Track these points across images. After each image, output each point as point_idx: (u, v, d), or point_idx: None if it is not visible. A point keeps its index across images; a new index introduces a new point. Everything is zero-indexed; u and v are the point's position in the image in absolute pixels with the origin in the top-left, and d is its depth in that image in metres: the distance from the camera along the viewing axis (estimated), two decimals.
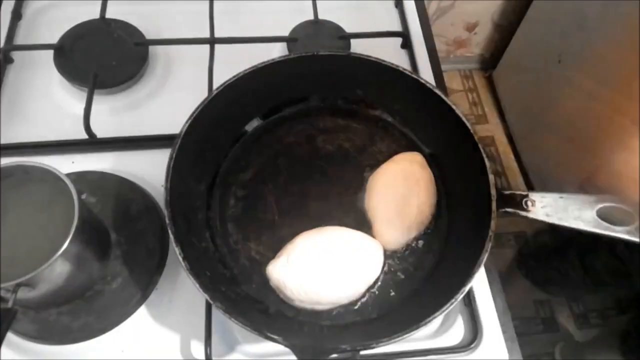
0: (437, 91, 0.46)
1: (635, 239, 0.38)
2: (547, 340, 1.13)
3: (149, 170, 0.50)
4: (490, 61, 1.52)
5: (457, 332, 0.46)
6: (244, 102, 0.48)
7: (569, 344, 1.08)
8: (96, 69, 0.54)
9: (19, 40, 0.58)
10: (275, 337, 0.35)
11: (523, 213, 0.40)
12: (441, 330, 0.46)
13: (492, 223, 0.39)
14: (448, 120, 0.45)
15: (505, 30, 1.38)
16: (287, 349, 0.35)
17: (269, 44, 0.59)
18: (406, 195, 0.45)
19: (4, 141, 0.51)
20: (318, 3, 0.61)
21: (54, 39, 0.56)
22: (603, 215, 0.39)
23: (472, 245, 0.40)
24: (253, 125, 0.51)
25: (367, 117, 0.52)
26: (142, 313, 0.44)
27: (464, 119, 0.44)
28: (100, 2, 0.59)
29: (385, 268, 0.44)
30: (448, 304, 0.37)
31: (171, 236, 0.38)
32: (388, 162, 0.48)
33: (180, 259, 0.38)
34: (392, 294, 0.43)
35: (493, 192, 0.41)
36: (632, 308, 0.79)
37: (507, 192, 0.41)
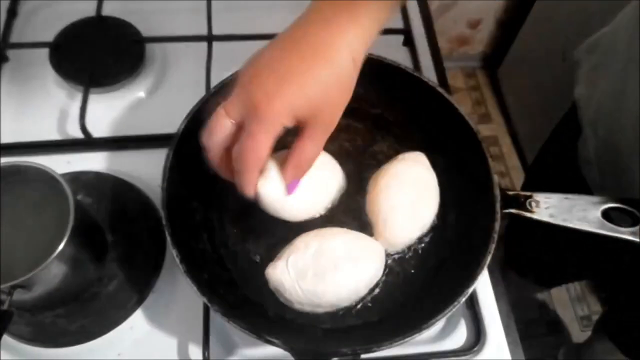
0: (440, 90, 0.45)
1: None
2: (551, 343, 1.13)
3: (146, 171, 0.50)
4: (493, 59, 1.51)
5: (459, 335, 0.45)
6: None
7: (572, 346, 1.08)
8: (92, 67, 0.54)
9: (14, 38, 0.58)
10: (275, 340, 0.35)
11: (527, 214, 0.39)
12: (444, 333, 0.45)
13: (496, 224, 0.39)
14: (451, 119, 0.45)
15: (509, 27, 1.37)
16: (286, 353, 0.35)
17: (268, 41, 0.58)
18: (408, 196, 0.44)
19: None
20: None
21: (50, 37, 0.56)
22: (608, 217, 0.39)
23: (475, 247, 0.39)
24: None
25: (368, 116, 0.51)
26: (138, 316, 0.44)
27: (467, 118, 0.44)
28: None
29: (387, 270, 0.43)
30: (451, 307, 0.36)
31: (168, 238, 0.38)
32: (390, 162, 0.47)
33: (178, 260, 0.37)
34: (394, 296, 0.43)
35: (497, 192, 0.40)
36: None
37: (511, 193, 0.40)
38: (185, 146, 0.42)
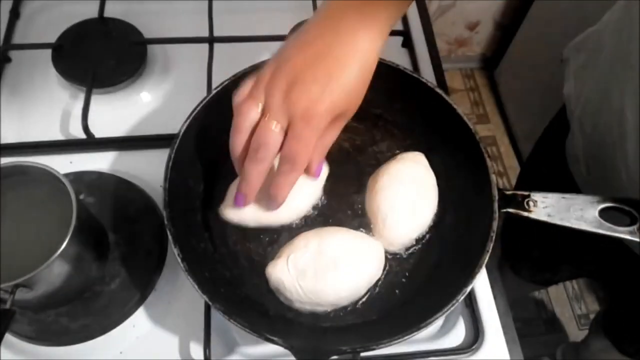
0: (438, 90, 0.45)
1: (637, 240, 0.38)
2: (549, 341, 1.13)
3: (148, 171, 0.50)
4: (491, 60, 1.51)
5: (458, 334, 0.45)
6: None
7: (570, 345, 1.08)
8: (94, 68, 0.54)
9: (17, 39, 0.58)
10: (275, 338, 0.35)
11: (525, 214, 0.40)
12: (442, 331, 0.45)
13: (494, 224, 0.39)
14: (449, 120, 0.45)
15: (507, 29, 1.38)
16: (286, 351, 0.35)
17: (269, 42, 0.58)
18: (407, 195, 0.44)
19: (1, 141, 0.51)
20: (318, 2, 0.60)
21: (52, 38, 0.56)
22: (605, 216, 0.39)
23: (474, 246, 0.40)
24: None
25: (368, 117, 0.51)
26: (140, 314, 0.44)
27: (465, 118, 0.44)
28: (98, 1, 0.59)
29: (386, 269, 0.44)
30: (449, 305, 0.36)
31: (170, 237, 0.38)
32: (389, 162, 0.47)
33: (179, 259, 0.37)
34: (393, 295, 0.43)
35: (495, 192, 0.40)
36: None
37: (509, 193, 0.41)
38: (186, 146, 0.43)
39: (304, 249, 0.41)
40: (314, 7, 0.60)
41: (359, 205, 0.46)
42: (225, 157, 0.48)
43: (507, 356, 0.44)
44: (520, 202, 0.40)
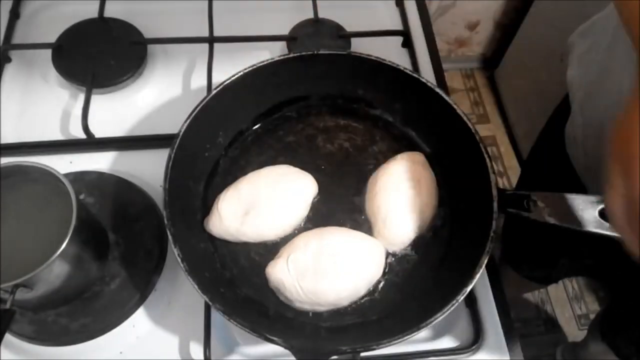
0: (438, 90, 0.45)
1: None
2: (549, 341, 1.13)
3: (148, 171, 0.50)
4: (491, 60, 1.51)
5: (458, 334, 0.45)
6: (244, 102, 0.48)
7: (570, 345, 1.08)
8: (94, 68, 0.54)
9: (17, 39, 0.58)
10: (275, 338, 0.35)
11: (525, 213, 0.40)
12: (443, 331, 0.45)
13: (494, 223, 0.39)
14: (449, 119, 0.45)
15: (507, 29, 1.38)
16: (286, 351, 0.35)
17: (269, 42, 0.58)
18: (408, 195, 0.44)
19: (1, 141, 0.51)
20: (318, 2, 0.60)
21: (52, 38, 0.56)
22: (605, 216, 0.39)
23: (474, 246, 0.40)
24: (252, 124, 0.50)
25: (368, 117, 0.51)
26: (140, 314, 0.44)
27: (465, 118, 0.44)
28: (98, 1, 0.59)
29: (386, 269, 0.44)
30: (449, 306, 0.36)
31: (170, 237, 0.38)
32: (389, 162, 0.47)
33: (179, 260, 0.37)
34: (393, 295, 0.43)
35: (495, 192, 0.40)
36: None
37: (509, 192, 0.41)
38: (186, 146, 0.43)
39: (304, 249, 0.41)
40: (314, 6, 0.60)
41: (359, 205, 0.46)
42: (225, 158, 0.49)
43: (507, 356, 0.44)
44: (520, 203, 0.40)
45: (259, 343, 0.43)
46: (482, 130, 1.43)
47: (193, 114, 0.43)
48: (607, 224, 0.39)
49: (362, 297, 0.42)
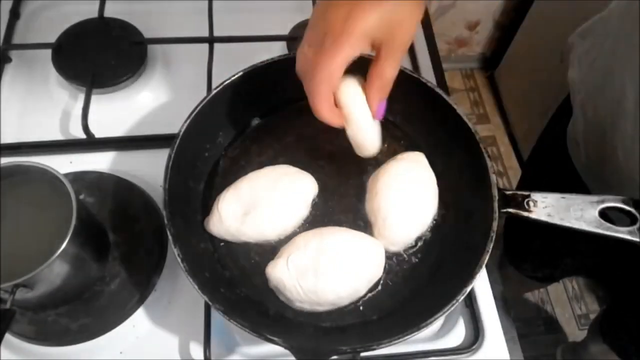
0: (439, 90, 0.45)
1: (637, 240, 0.38)
2: (549, 341, 1.13)
3: (148, 171, 0.50)
4: (491, 60, 1.51)
5: (458, 334, 0.45)
6: (243, 102, 0.48)
7: (570, 345, 1.08)
8: (94, 68, 0.54)
9: (17, 39, 0.58)
10: (275, 338, 0.35)
11: (525, 213, 0.40)
12: (442, 331, 0.45)
13: (494, 224, 0.39)
14: (449, 120, 0.45)
15: (507, 29, 1.38)
16: (286, 351, 0.35)
17: (269, 42, 0.58)
18: (408, 195, 0.44)
19: (1, 141, 0.51)
20: (318, 1, 0.60)
21: (52, 38, 0.56)
22: (605, 216, 0.39)
23: (474, 246, 0.40)
24: (252, 124, 0.50)
25: None
26: (140, 314, 0.44)
27: (465, 118, 0.44)
28: (98, 1, 0.59)
29: (386, 269, 0.44)
30: (449, 305, 0.36)
31: (170, 237, 0.38)
32: (389, 162, 0.47)
33: (179, 260, 0.37)
34: (393, 295, 0.43)
35: (495, 192, 0.40)
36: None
37: (509, 193, 0.41)
38: (186, 146, 0.43)
39: (304, 249, 0.41)
40: (314, 5, 0.60)
41: (359, 205, 0.46)
42: (225, 158, 0.49)
43: (507, 356, 0.44)
44: (520, 202, 0.40)
45: (259, 343, 0.42)
46: (482, 131, 1.44)
47: (193, 114, 0.43)
48: (607, 224, 0.39)
49: (362, 297, 0.42)
